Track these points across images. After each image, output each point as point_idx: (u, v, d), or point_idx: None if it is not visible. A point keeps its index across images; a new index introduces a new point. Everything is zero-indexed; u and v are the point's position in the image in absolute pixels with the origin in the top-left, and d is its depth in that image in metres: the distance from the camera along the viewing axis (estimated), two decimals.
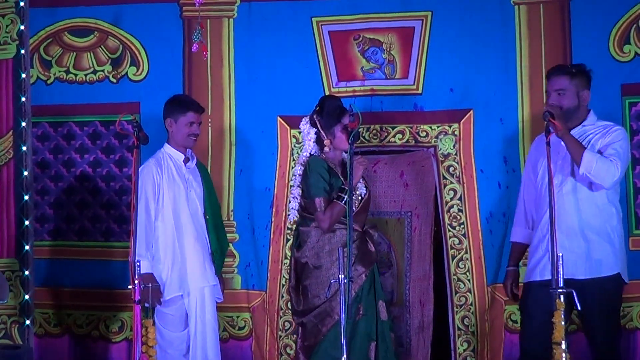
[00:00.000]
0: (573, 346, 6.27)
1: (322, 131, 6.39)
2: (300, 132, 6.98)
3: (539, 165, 5.91)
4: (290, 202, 6.55)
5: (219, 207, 7.01)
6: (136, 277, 5.77)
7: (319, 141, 6.41)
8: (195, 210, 6.65)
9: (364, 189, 6.52)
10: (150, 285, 6.07)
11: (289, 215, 6.54)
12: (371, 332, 6.33)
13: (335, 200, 6.27)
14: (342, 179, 6.29)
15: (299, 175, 6.40)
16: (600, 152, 5.76)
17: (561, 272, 5.27)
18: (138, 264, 5.71)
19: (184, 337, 6.57)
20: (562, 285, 5.27)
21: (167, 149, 6.67)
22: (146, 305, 6.25)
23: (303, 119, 6.47)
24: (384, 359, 6.34)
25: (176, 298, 6.48)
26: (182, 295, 6.51)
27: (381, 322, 6.38)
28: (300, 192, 6.41)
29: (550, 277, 5.38)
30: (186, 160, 6.66)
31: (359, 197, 6.46)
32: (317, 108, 6.45)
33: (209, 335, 6.52)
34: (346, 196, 6.17)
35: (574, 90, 5.91)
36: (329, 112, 6.38)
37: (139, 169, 6.42)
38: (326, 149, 6.41)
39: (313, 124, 6.43)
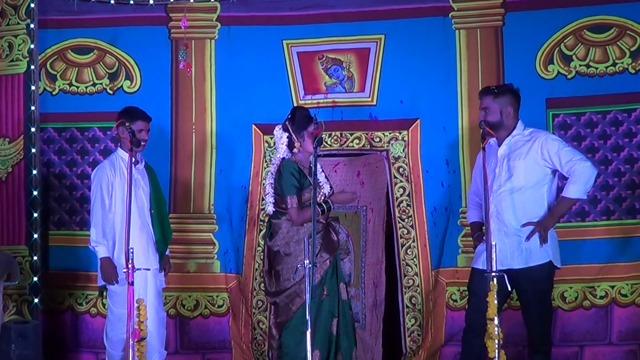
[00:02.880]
0: (505, 321, 6.38)
1: (293, 135, 6.41)
2: (272, 138, 7.03)
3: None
4: (266, 197, 6.57)
5: (164, 202, 6.97)
6: (130, 262, 5.81)
7: (290, 145, 6.44)
8: (142, 205, 6.66)
9: (328, 187, 6.56)
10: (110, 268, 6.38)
11: (267, 207, 6.54)
12: (334, 310, 6.35)
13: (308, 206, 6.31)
14: (309, 178, 6.32)
15: (272, 174, 6.43)
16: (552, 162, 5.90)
17: (494, 258, 5.33)
18: (131, 250, 5.76)
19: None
20: (495, 269, 5.35)
21: (120, 152, 6.68)
22: (104, 284, 6.49)
23: (277, 126, 6.50)
24: (344, 333, 6.36)
25: (123, 279, 6.25)
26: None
27: (342, 302, 6.40)
28: (274, 189, 6.45)
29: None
30: (135, 163, 6.59)
31: (324, 195, 6.49)
32: (290, 116, 6.47)
33: (150, 311, 6.36)
34: (325, 206, 6.30)
35: (498, 107, 5.99)
36: (299, 119, 6.40)
37: (94, 170, 6.64)
38: (295, 150, 6.42)
39: (285, 130, 6.45)
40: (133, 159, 6.42)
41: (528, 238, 5.87)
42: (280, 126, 6.47)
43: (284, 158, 6.41)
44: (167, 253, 6.88)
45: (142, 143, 6.63)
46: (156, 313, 6.64)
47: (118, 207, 6.57)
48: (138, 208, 6.60)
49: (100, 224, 6.54)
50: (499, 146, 6.04)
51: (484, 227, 6.04)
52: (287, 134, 6.43)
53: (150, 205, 6.72)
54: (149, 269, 6.40)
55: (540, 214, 5.94)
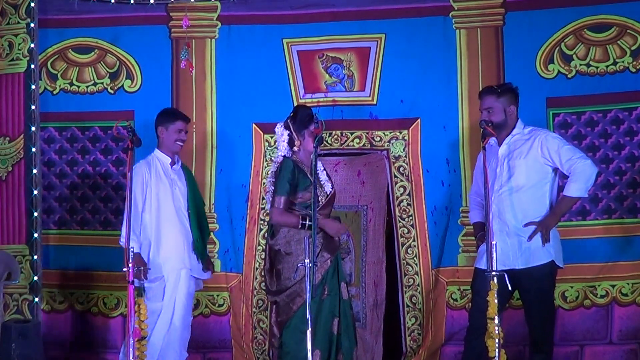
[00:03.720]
0: (505, 321, 6.35)
1: (294, 134, 6.38)
2: (272, 137, 7.02)
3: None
4: (267, 196, 6.55)
5: (202, 202, 6.97)
6: (130, 261, 5.81)
7: (290, 143, 6.41)
8: (179, 205, 6.65)
9: (330, 187, 6.52)
10: (141, 268, 6.21)
11: (267, 206, 6.52)
12: (334, 310, 6.31)
13: (296, 212, 6.30)
14: (309, 177, 6.28)
15: (273, 173, 6.40)
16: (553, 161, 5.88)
17: (495, 258, 5.32)
18: (132, 249, 5.74)
19: (159, 307, 6.54)
20: (495, 269, 5.33)
21: (157, 153, 6.68)
22: (138, 283, 6.27)
23: (278, 124, 6.47)
24: (345, 332, 6.33)
25: (158, 277, 6.49)
26: (162, 275, 6.52)
27: (343, 301, 6.37)
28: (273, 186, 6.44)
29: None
30: (172, 163, 6.66)
31: (326, 194, 6.46)
32: (292, 114, 6.44)
33: (178, 310, 6.51)
34: (307, 222, 6.21)
35: (501, 107, 5.98)
36: (301, 118, 6.36)
37: (133, 168, 6.47)
38: (295, 149, 6.39)
39: (287, 127, 6.42)
40: (169, 160, 6.61)
41: (530, 238, 5.84)
42: (281, 124, 6.44)
43: (284, 156, 6.37)
44: (206, 255, 6.88)
45: (180, 143, 6.68)
46: (183, 315, 6.63)
47: (154, 207, 6.57)
48: (175, 208, 6.62)
49: (133, 222, 6.37)
50: (499, 146, 6.02)
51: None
52: (287, 131, 6.40)
53: (187, 205, 6.70)
54: (162, 276, 6.49)
55: (541, 213, 5.91)
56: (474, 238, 6.35)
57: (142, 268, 6.25)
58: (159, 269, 6.51)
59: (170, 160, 6.67)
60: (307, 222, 6.21)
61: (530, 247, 5.87)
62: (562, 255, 6.02)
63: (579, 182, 5.80)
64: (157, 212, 6.56)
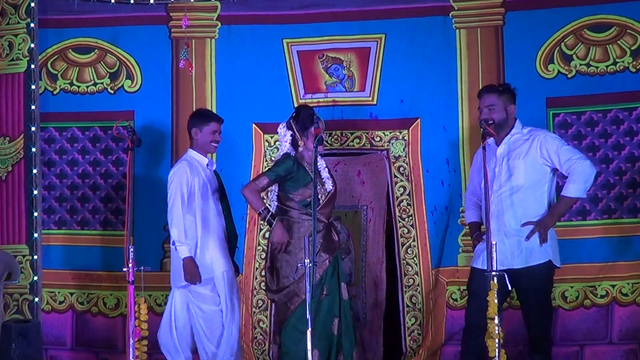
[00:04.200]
0: (505, 321, 6.34)
1: (297, 134, 6.38)
2: (272, 137, 7.03)
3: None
4: (269, 194, 6.56)
5: (229, 205, 6.90)
6: (130, 261, 5.81)
7: (294, 143, 6.41)
8: (218, 206, 6.67)
9: (331, 186, 6.51)
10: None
11: (270, 206, 6.54)
12: (334, 310, 6.31)
13: (265, 204, 6.47)
14: (310, 175, 6.28)
15: (274, 160, 6.42)
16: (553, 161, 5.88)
17: (495, 258, 5.32)
18: (132, 249, 5.74)
19: (220, 311, 6.57)
20: (495, 269, 5.32)
21: (193, 153, 6.64)
22: (186, 284, 6.45)
23: (281, 124, 6.46)
24: (345, 333, 6.34)
25: (209, 279, 6.48)
26: (212, 277, 6.51)
27: (343, 302, 6.37)
28: (277, 186, 6.44)
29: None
30: (208, 165, 6.66)
31: (326, 192, 6.45)
32: (294, 114, 6.44)
33: (236, 311, 6.59)
34: (268, 215, 6.35)
35: (502, 105, 5.98)
36: (303, 118, 6.38)
37: (173, 170, 6.56)
38: (300, 149, 6.41)
39: (289, 128, 6.42)
40: (206, 161, 6.63)
41: (528, 238, 5.83)
42: (284, 123, 6.43)
43: (287, 153, 6.38)
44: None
45: (215, 144, 6.68)
46: (237, 312, 6.66)
47: (197, 209, 6.54)
48: (216, 210, 6.64)
49: (182, 224, 6.43)
50: (498, 145, 6.01)
51: (482, 227, 6.03)
52: (290, 132, 6.40)
53: (221, 207, 6.73)
54: (212, 277, 6.52)
55: (540, 213, 5.91)
56: None
57: (196, 271, 6.36)
58: (208, 271, 6.49)
59: (206, 161, 6.67)
60: (267, 215, 6.33)
61: (528, 247, 5.87)
62: (559, 255, 6.03)
63: (578, 182, 5.79)
64: (200, 213, 6.53)
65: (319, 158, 6.42)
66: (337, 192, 6.63)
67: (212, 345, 6.54)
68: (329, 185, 6.50)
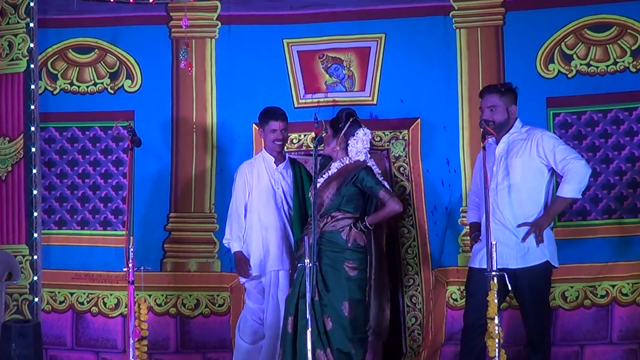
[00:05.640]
0: (505, 321, 6.34)
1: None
2: None
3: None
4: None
5: (305, 201, 6.91)
6: (130, 261, 5.83)
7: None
8: (281, 204, 6.77)
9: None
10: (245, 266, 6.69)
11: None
12: (290, 308, 6.38)
13: None
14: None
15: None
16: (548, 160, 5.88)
17: (494, 258, 5.32)
18: (132, 249, 5.76)
19: (261, 309, 6.78)
20: (495, 269, 5.32)
21: (264, 153, 6.86)
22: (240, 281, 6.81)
23: (361, 128, 6.53)
24: (302, 333, 6.20)
25: (255, 276, 6.71)
26: (261, 275, 6.71)
27: (301, 300, 6.22)
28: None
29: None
30: (277, 162, 6.80)
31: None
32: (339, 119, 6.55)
33: (277, 314, 6.68)
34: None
35: (504, 105, 5.99)
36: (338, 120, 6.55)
37: (237, 169, 6.85)
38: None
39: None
40: (273, 159, 6.82)
41: (524, 239, 5.83)
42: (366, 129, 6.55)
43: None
44: None
45: (278, 143, 6.79)
46: (279, 318, 6.72)
47: (255, 207, 6.73)
48: (277, 208, 6.76)
49: (232, 222, 6.76)
50: (497, 144, 6.01)
51: (482, 228, 6.02)
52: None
53: (289, 206, 6.83)
54: (260, 275, 6.76)
55: (537, 213, 5.92)
56: None
57: (244, 266, 6.67)
58: (256, 270, 6.70)
59: (273, 159, 6.80)
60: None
61: (526, 247, 5.87)
62: (557, 255, 6.03)
63: (572, 182, 5.79)
64: (258, 213, 6.70)
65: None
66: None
67: (238, 335, 6.88)
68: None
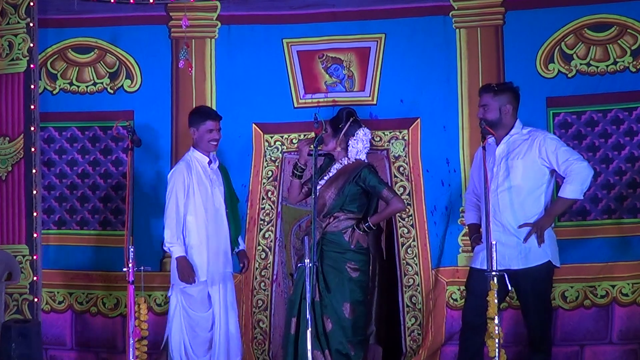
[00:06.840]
0: (505, 321, 6.34)
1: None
2: (272, 137, 7.09)
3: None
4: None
5: (237, 201, 6.94)
6: (130, 261, 5.82)
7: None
8: (220, 205, 6.64)
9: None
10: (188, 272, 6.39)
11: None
12: (293, 310, 6.39)
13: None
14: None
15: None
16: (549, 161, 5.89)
17: (495, 257, 5.32)
18: (132, 249, 5.75)
19: (208, 317, 6.56)
20: (495, 269, 5.32)
21: (194, 153, 6.65)
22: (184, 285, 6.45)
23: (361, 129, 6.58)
24: (303, 334, 6.20)
25: (199, 282, 6.47)
26: (205, 280, 6.50)
27: (303, 302, 6.20)
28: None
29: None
30: (209, 163, 6.64)
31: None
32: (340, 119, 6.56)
33: (231, 314, 6.58)
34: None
35: (497, 105, 5.99)
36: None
37: (171, 171, 6.60)
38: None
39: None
40: (207, 160, 6.62)
41: (525, 239, 5.83)
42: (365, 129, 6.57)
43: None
44: (243, 247, 6.90)
45: (214, 143, 6.63)
46: (235, 314, 6.68)
47: (199, 209, 6.53)
48: (215, 209, 6.61)
49: (175, 225, 6.46)
50: (497, 145, 6.01)
51: (481, 229, 6.02)
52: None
53: (225, 205, 6.70)
54: (205, 280, 6.51)
55: (537, 214, 5.92)
56: None
57: (190, 272, 6.39)
58: (203, 274, 6.49)
59: (207, 159, 6.65)
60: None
61: (528, 247, 5.87)
62: (558, 255, 6.04)
63: (575, 183, 5.79)
64: (202, 214, 6.53)
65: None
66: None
67: (186, 353, 6.57)
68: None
